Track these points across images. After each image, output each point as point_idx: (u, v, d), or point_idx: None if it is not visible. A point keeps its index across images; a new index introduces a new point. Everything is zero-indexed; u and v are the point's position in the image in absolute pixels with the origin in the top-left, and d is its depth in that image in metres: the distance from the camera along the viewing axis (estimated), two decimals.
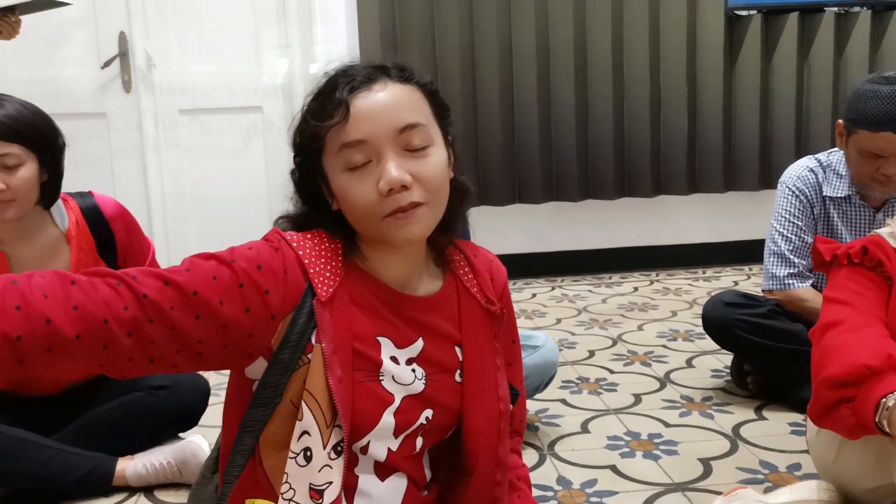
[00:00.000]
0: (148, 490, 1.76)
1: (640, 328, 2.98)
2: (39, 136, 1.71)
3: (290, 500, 1.02)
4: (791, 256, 2.18)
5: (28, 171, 1.68)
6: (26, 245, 1.76)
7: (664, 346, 2.74)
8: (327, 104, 1.00)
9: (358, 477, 1.08)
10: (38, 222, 1.77)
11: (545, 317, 3.19)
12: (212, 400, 1.94)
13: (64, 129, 1.81)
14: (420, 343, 1.09)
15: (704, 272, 3.88)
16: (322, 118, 1.00)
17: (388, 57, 1.09)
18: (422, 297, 1.10)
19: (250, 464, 1.06)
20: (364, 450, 1.07)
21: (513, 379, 1.17)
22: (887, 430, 1.20)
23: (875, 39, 3.79)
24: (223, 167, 3.91)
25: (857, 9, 3.76)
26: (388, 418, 1.06)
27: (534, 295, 3.57)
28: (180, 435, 1.90)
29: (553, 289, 3.68)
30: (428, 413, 1.09)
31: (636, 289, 3.61)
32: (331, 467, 1.01)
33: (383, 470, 1.10)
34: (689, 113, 3.77)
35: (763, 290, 2.25)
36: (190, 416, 1.88)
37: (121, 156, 3.83)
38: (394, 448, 1.09)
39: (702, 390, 2.30)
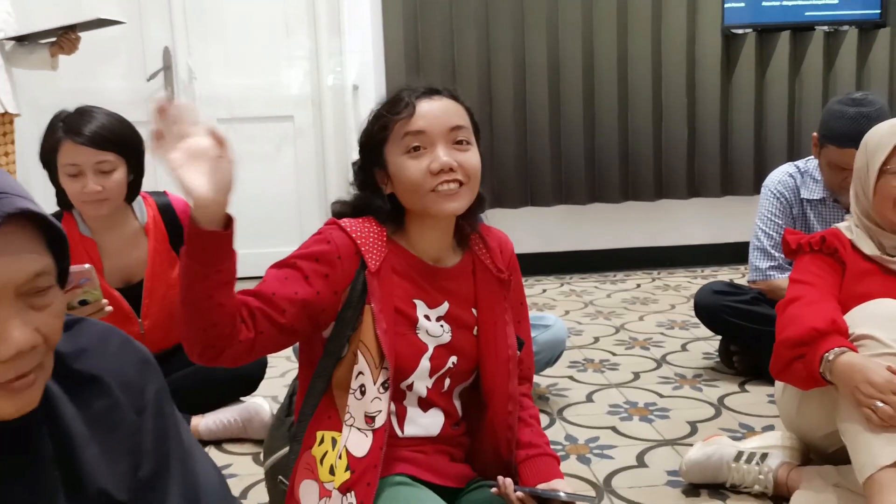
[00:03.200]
0: (217, 443, 2.07)
1: (640, 319, 3.27)
2: (129, 144, 1.99)
3: (351, 425, 1.32)
4: (772, 251, 2.47)
5: (120, 174, 1.96)
6: (113, 235, 2.07)
7: (662, 334, 3.03)
8: (398, 105, 1.32)
9: (406, 408, 1.39)
10: (123, 216, 2.07)
11: (555, 309, 3.48)
12: (267, 373, 2.25)
13: None
14: (446, 305, 1.39)
15: (703, 271, 4.17)
16: (394, 114, 1.32)
17: (411, 81, 1.41)
18: (447, 268, 1.40)
19: (323, 402, 1.36)
20: (410, 387, 1.37)
21: (520, 332, 1.46)
22: (829, 380, 1.50)
23: (862, 56, 4.08)
24: (257, 172, 4.22)
25: (845, 28, 4.06)
26: (424, 363, 1.36)
27: (544, 290, 3.87)
28: (241, 399, 2.20)
29: (562, 285, 3.98)
30: (453, 359, 1.39)
31: (639, 285, 3.91)
32: (380, 399, 1.31)
33: (425, 404, 1.40)
34: (689, 123, 4.07)
35: (749, 281, 2.54)
36: (251, 382, 2.19)
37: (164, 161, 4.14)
38: (429, 386, 1.39)
39: (693, 369, 2.59)
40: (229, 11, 4.09)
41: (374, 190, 1.38)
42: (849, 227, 1.79)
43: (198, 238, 1.13)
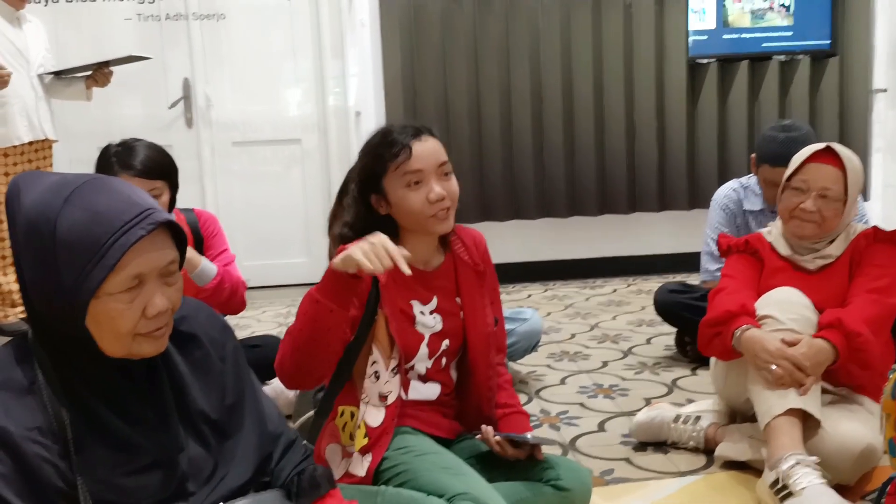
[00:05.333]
0: None
1: (613, 318, 3.68)
2: (170, 170, 2.32)
3: (367, 402, 1.68)
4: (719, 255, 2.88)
5: (165, 196, 2.28)
6: None
7: (631, 331, 3.44)
8: (395, 147, 1.62)
9: (410, 380, 1.77)
10: None
11: (537, 311, 3.87)
12: None
13: None
14: (435, 300, 1.76)
15: (674, 277, 4.55)
16: (393, 156, 1.63)
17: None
18: (434, 270, 1.76)
19: (347, 385, 1.72)
20: (412, 367, 1.76)
21: (495, 312, 1.83)
22: (739, 350, 1.90)
23: (814, 83, 4.51)
24: (267, 191, 4.64)
25: (799, 57, 4.49)
26: (423, 349, 1.74)
27: (529, 296, 4.27)
28: (267, 382, 2.58)
29: (546, 291, 4.38)
30: (446, 342, 1.77)
31: (615, 290, 4.31)
32: (391, 382, 1.68)
33: (424, 378, 1.79)
34: (659, 144, 4.49)
35: (701, 281, 2.95)
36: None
37: (183, 181, 4.36)
38: (429, 366, 1.78)
39: (654, 358, 3.00)
40: (242, 43, 4.52)
41: (371, 213, 1.70)
42: (769, 232, 2.20)
43: (339, 280, 1.48)
